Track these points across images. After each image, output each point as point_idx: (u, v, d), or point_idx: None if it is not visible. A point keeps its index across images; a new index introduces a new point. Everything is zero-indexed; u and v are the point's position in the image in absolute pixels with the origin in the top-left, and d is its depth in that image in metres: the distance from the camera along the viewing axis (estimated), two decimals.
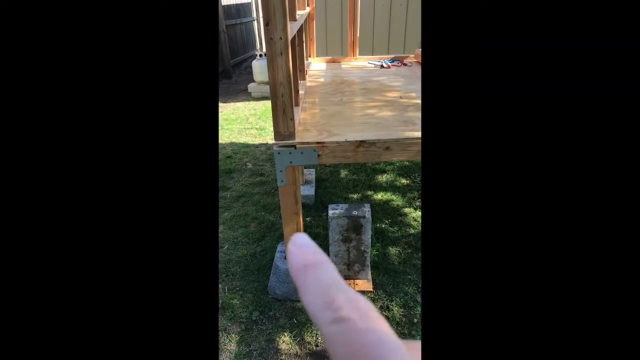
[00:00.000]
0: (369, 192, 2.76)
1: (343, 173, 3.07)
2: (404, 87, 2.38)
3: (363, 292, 1.83)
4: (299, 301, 1.78)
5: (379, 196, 2.70)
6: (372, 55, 3.84)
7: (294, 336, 1.62)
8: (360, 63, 3.22)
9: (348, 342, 0.15)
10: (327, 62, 3.31)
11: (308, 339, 1.61)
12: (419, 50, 3.21)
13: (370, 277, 1.90)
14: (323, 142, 1.54)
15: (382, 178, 2.96)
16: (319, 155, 1.55)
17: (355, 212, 1.73)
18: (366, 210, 1.75)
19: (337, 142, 1.54)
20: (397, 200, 2.64)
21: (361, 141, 1.54)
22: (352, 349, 0.15)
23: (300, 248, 0.17)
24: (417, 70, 2.86)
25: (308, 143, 1.54)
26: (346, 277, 1.89)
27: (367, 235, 1.76)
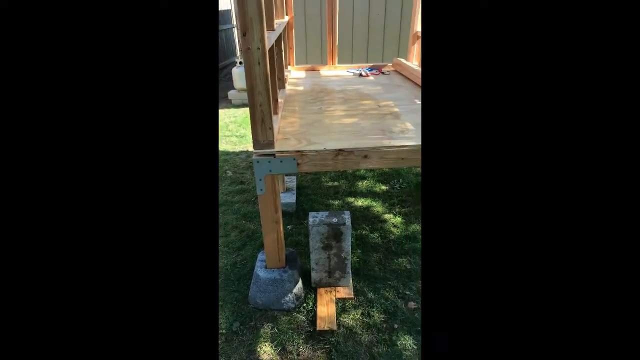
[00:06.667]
0: (350, 199, 2.78)
1: (324, 180, 3.08)
2: (382, 95, 2.43)
3: (344, 299, 1.83)
4: (279, 310, 1.77)
5: (360, 202, 2.72)
6: (352, 63, 3.89)
7: (275, 346, 1.61)
8: (339, 72, 3.26)
9: None
10: (307, 70, 3.34)
11: (290, 348, 1.60)
12: (396, 59, 3.28)
13: (351, 284, 1.91)
14: (302, 151, 1.55)
15: (363, 185, 3.00)
16: (298, 164, 1.56)
17: (335, 220, 1.74)
18: (346, 217, 1.76)
19: (316, 151, 1.55)
20: (377, 206, 2.67)
21: (340, 150, 1.56)
22: None
23: None
24: (395, 79, 2.92)
25: (287, 152, 1.55)
26: (327, 284, 1.89)
27: (348, 243, 1.77)
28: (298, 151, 1.55)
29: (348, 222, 1.74)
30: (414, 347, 1.59)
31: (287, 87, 2.67)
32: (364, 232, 2.37)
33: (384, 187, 2.95)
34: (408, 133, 1.72)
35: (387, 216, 2.54)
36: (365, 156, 1.58)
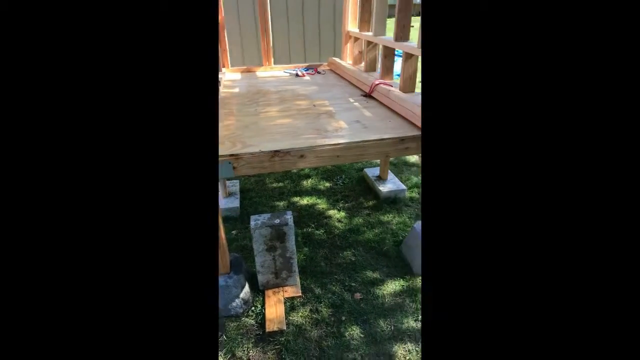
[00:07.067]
0: (295, 198, 2.80)
1: (268, 181, 3.07)
2: (317, 95, 2.48)
3: (293, 298, 1.85)
4: (227, 316, 1.74)
5: (305, 201, 2.76)
6: (290, 63, 3.91)
7: (224, 354, 1.58)
8: (276, 72, 3.26)
9: None
10: (243, 72, 3.30)
11: (239, 353, 1.58)
12: (331, 59, 3.36)
13: (298, 282, 1.93)
14: (237, 154, 1.54)
15: (307, 183, 3.03)
16: (234, 167, 1.54)
17: (277, 221, 1.75)
18: (288, 217, 1.78)
19: (251, 153, 1.55)
20: (321, 203, 2.72)
21: (276, 151, 1.57)
22: None
23: None
24: (330, 78, 2.99)
25: (222, 156, 1.52)
26: (274, 285, 1.90)
27: (292, 242, 1.79)
28: (233, 155, 1.53)
29: (290, 222, 1.76)
30: (361, 335, 1.66)
31: (222, 89, 2.62)
32: (310, 229, 2.41)
33: (327, 184, 3.01)
34: (341, 131, 1.78)
35: (331, 212, 2.60)
36: (302, 156, 1.61)
